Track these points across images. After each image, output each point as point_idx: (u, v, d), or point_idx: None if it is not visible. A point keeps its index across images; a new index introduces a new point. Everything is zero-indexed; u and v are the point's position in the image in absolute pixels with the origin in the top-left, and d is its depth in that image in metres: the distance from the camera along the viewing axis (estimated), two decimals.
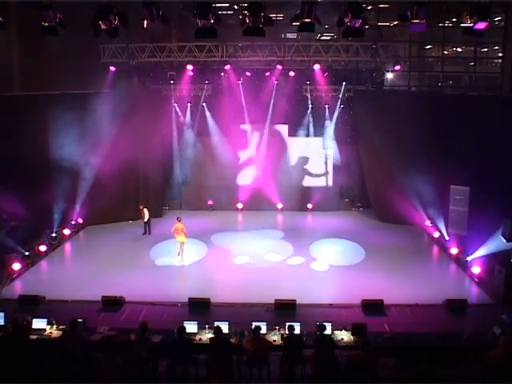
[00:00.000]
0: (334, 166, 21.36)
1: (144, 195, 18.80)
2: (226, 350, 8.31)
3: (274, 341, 9.11)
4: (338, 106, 20.56)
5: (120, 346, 9.01)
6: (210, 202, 21.22)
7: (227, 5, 20.40)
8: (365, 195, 20.89)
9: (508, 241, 13.10)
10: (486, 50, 22.72)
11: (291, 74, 19.77)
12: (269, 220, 19.80)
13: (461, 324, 10.92)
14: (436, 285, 13.05)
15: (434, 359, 8.56)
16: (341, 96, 20.25)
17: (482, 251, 13.82)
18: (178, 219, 15.38)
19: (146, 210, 17.60)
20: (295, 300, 11.47)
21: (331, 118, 20.83)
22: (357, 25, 9.91)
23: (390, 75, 20.29)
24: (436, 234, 17.02)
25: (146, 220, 17.63)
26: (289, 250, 16.20)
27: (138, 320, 10.01)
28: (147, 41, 18.63)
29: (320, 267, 14.65)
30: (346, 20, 9.94)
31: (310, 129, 21.24)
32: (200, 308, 11.42)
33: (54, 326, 9.73)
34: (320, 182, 21.50)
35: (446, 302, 11.63)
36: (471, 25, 9.87)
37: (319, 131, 21.19)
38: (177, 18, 19.75)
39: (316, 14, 9.80)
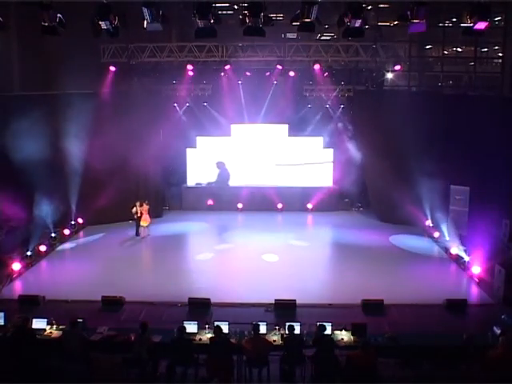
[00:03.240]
0: (334, 166, 21.36)
1: (144, 195, 18.80)
2: (226, 350, 8.30)
3: (274, 341, 9.09)
4: (338, 105, 20.59)
5: (120, 345, 8.98)
6: (209, 202, 21.22)
7: (227, 5, 20.38)
8: (365, 195, 20.90)
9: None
10: (486, 50, 22.69)
11: (291, 74, 19.77)
12: (269, 220, 19.81)
13: (461, 324, 10.91)
14: (436, 285, 13.04)
15: (434, 359, 8.56)
16: (340, 96, 20.29)
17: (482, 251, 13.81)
18: (146, 202, 17.09)
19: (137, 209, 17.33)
20: (295, 300, 11.46)
21: (331, 118, 20.85)
22: (357, 25, 9.91)
23: (390, 75, 20.29)
24: (436, 234, 17.03)
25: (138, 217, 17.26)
26: (288, 249, 16.19)
27: (138, 320, 10.00)
28: (147, 41, 18.61)
29: (319, 267, 14.66)
30: (346, 20, 9.94)
31: (310, 128, 21.29)
32: (200, 308, 11.40)
33: (54, 326, 9.69)
34: (320, 182, 21.50)
35: (445, 302, 11.62)
36: (471, 25, 9.86)
37: (319, 131, 21.23)
38: (177, 18, 19.72)
39: (316, 14, 9.79)
